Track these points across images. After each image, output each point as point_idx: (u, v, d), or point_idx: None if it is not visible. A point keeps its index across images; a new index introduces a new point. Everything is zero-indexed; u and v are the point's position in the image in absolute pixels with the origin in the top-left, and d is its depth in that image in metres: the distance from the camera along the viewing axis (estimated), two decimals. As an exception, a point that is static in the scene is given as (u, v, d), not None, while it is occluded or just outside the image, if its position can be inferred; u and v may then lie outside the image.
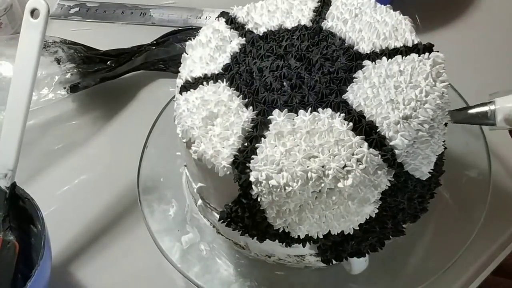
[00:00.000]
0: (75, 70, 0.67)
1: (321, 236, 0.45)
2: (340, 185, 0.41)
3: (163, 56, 0.71)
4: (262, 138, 0.44)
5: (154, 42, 0.72)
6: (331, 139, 0.42)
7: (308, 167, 0.41)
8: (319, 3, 0.52)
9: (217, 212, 0.49)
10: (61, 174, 0.64)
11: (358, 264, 0.50)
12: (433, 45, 0.48)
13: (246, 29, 0.52)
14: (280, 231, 0.45)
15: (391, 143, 0.42)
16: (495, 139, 0.57)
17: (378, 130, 0.43)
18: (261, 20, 0.52)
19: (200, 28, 0.53)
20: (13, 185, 0.52)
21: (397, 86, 0.45)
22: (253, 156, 0.43)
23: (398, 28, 0.48)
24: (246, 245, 0.50)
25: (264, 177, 0.42)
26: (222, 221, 0.47)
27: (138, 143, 0.59)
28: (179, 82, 0.49)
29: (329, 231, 0.44)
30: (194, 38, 0.52)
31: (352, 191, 0.42)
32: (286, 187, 0.41)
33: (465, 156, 0.56)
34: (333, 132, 0.43)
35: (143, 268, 0.56)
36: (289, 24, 0.51)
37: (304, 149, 0.42)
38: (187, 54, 0.51)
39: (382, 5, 0.51)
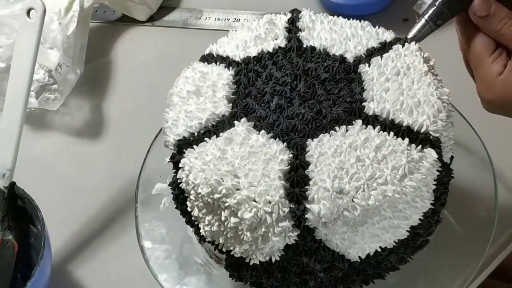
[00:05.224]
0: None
1: (224, 250, 0.45)
2: (239, 214, 0.41)
3: None
4: (215, 136, 0.45)
5: None
6: (261, 169, 0.42)
7: (224, 181, 0.42)
8: (380, 45, 0.49)
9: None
10: (61, 175, 0.64)
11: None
12: (440, 142, 0.43)
13: (297, 35, 0.51)
14: (195, 222, 0.46)
15: (307, 205, 0.41)
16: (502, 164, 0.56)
17: (306, 187, 0.41)
18: (318, 35, 0.50)
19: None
20: (12, 184, 0.52)
21: (361, 160, 0.42)
22: (194, 146, 0.44)
23: (421, 106, 0.44)
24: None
25: (188, 167, 0.43)
26: (170, 186, 0.49)
27: (137, 144, 0.60)
28: (207, 51, 0.51)
29: (230, 249, 0.45)
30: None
31: (251, 225, 0.42)
32: (197, 188, 0.43)
33: (471, 183, 0.54)
34: (268, 165, 0.42)
35: (142, 267, 0.54)
36: (335, 50, 0.49)
37: (234, 164, 0.42)
38: (235, 31, 0.52)
39: (430, 73, 0.46)
